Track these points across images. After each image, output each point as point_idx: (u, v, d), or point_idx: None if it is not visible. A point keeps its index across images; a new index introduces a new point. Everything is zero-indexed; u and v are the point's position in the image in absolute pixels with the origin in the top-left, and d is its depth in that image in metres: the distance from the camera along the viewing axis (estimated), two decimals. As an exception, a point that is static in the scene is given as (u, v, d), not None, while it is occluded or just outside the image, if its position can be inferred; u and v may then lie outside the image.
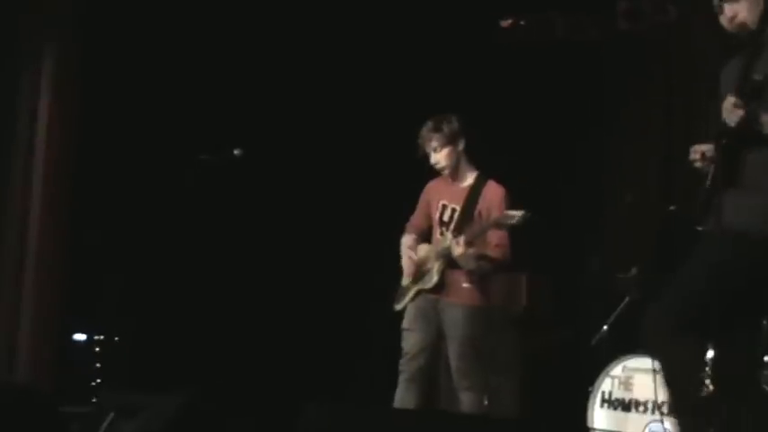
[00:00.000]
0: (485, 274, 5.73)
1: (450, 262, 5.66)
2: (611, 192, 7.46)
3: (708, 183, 4.14)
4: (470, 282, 5.68)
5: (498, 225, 5.59)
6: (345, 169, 7.80)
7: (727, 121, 4.04)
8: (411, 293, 5.79)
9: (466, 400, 5.68)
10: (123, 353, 7.28)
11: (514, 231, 5.60)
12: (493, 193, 5.74)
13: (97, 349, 7.29)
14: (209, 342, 7.41)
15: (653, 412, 5.90)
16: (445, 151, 5.76)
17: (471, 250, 5.60)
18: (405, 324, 5.78)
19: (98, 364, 7.24)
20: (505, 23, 8.13)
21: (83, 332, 7.38)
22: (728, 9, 4.20)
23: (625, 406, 6.03)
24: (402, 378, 5.73)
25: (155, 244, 7.48)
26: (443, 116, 5.82)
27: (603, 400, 6.09)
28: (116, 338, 7.32)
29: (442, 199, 5.83)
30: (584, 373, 6.34)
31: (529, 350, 7.11)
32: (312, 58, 7.86)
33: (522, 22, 8.05)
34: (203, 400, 5.75)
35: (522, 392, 7.02)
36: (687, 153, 7.43)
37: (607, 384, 6.09)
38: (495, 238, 5.66)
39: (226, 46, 7.72)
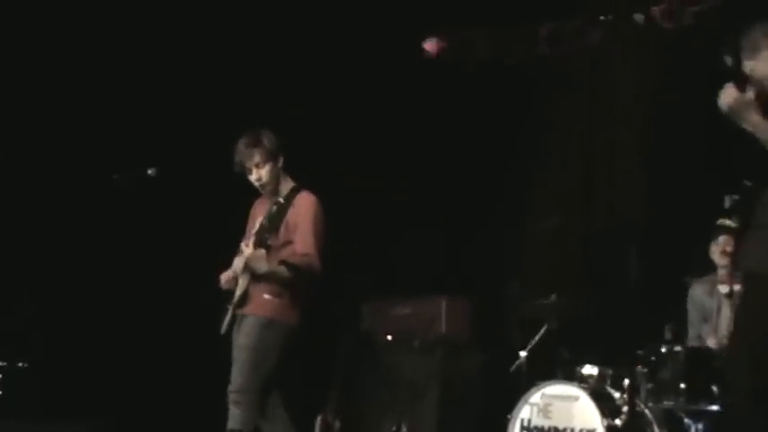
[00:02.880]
0: (285, 282, 5.37)
1: (254, 275, 5.40)
2: (532, 216, 7.40)
3: None
4: (272, 294, 5.39)
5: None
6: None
7: None
8: (228, 315, 5.48)
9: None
10: (29, 380, 7.04)
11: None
12: (302, 201, 5.48)
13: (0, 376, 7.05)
14: (121, 368, 7.19)
15: (572, 440, 5.84)
16: (268, 167, 5.49)
17: (262, 251, 5.33)
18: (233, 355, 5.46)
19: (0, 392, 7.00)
20: (429, 46, 8.08)
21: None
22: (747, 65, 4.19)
23: (544, 433, 5.95)
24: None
25: (64, 265, 7.25)
26: (258, 131, 5.52)
27: (522, 428, 6.02)
28: (20, 365, 7.09)
29: (261, 215, 5.55)
30: (503, 400, 6.26)
31: (447, 376, 6.99)
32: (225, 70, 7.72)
33: (444, 45, 8.01)
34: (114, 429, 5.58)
35: (440, 419, 6.91)
36: (609, 176, 7.55)
37: (526, 412, 6.02)
38: (301, 246, 5.39)
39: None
